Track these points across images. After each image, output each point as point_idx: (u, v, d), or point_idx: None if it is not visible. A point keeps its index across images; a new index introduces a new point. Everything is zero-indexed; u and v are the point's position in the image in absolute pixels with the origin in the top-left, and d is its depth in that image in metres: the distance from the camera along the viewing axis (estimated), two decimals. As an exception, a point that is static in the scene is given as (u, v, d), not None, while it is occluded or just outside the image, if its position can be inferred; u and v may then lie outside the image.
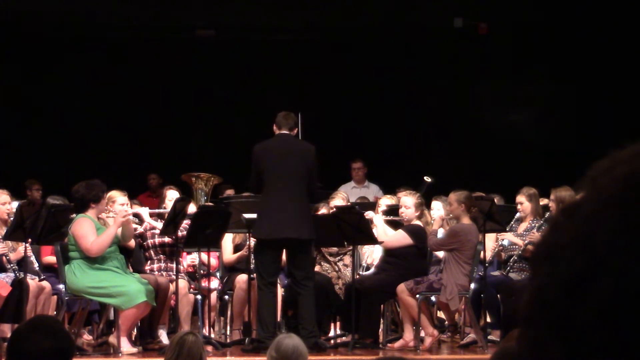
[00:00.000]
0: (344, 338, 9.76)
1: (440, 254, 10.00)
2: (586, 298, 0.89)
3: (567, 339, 0.90)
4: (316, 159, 8.84)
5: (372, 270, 9.82)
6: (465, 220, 9.19)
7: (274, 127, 8.97)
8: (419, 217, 9.51)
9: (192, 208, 9.92)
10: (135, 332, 9.08)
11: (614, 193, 0.91)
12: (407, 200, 9.49)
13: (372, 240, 9.35)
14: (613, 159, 0.94)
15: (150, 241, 9.75)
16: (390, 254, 9.50)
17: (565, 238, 0.92)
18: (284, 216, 8.60)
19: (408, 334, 9.17)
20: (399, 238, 9.37)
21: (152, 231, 9.74)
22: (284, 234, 8.60)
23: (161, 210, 9.83)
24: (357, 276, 9.46)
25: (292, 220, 8.61)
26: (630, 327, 0.87)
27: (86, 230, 8.64)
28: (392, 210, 9.81)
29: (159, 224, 9.54)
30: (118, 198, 9.56)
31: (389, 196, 10.60)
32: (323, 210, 10.04)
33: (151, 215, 9.77)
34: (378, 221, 9.53)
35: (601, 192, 0.92)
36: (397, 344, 9.20)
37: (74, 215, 8.82)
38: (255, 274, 9.00)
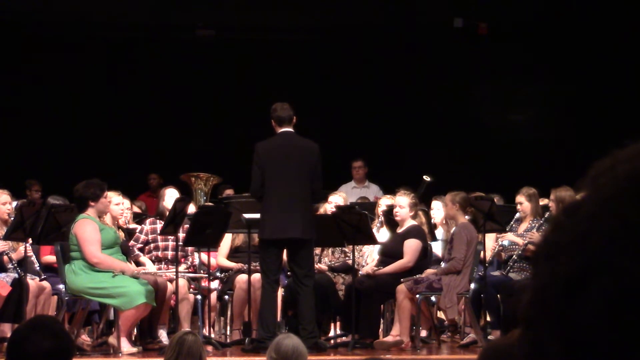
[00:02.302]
0: (344, 338, 9.75)
1: (439, 253, 10.02)
2: (586, 298, 0.89)
3: (567, 339, 0.89)
4: (320, 158, 8.81)
5: (373, 263, 9.74)
6: (462, 220, 9.23)
7: (273, 123, 8.92)
8: (413, 217, 9.52)
9: (192, 208, 9.93)
10: (135, 332, 9.08)
11: (614, 192, 0.90)
12: (402, 200, 9.53)
13: (372, 240, 9.36)
14: (614, 158, 0.93)
15: (152, 245, 9.77)
16: (389, 254, 9.51)
17: (566, 237, 0.92)
18: (286, 216, 8.58)
19: (395, 330, 9.17)
20: (414, 249, 9.38)
21: (153, 235, 9.76)
22: (286, 234, 8.59)
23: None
24: (359, 275, 9.45)
25: (295, 220, 8.59)
26: (630, 327, 0.87)
27: (90, 234, 8.62)
28: (392, 211, 9.81)
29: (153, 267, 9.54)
30: (113, 198, 9.60)
31: (389, 196, 10.60)
32: (322, 210, 10.05)
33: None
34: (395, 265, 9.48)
35: (602, 191, 0.91)
36: (387, 338, 9.20)
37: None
38: (260, 273, 8.99)
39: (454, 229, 9.37)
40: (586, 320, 0.88)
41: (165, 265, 9.70)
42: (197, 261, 9.99)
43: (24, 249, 8.89)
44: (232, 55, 14.86)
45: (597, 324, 0.88)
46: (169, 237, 9.55)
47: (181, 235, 9.24)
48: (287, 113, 8.84)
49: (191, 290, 9.56)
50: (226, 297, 9.95)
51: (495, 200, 9.79)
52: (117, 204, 9.79)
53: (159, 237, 9.70)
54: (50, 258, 9.43)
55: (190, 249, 9.82)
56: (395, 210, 9.56)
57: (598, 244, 0.89)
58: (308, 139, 8.91)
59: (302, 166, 8.71)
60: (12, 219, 8.83)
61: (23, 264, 8.90)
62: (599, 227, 0.90)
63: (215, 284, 10.02)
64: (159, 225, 9.65)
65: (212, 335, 9.70)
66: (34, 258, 9.30)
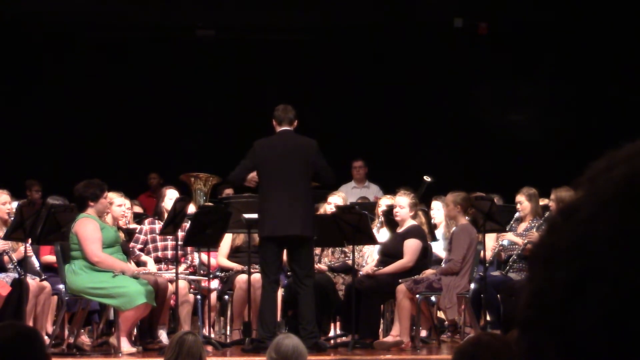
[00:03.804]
0: (344, 338, 9.75)
1: (441, 253, 10.01)
2: (585, 303, 0.88)
3: (565, 344, 0.89)
4: (319, 152, 8.80)
5: (373, 263, 9.73)
6: (462, 221, 9.23)
7: (274, 123, 8.93)
8: (413, 217, 9.52)
9: (191, 208, 9.92)
10: (135, 332, 9.07)
11: (612, 196, 0.90)
12: (402, 200, 9.52)
13: (372, 240, 9.36)
14: (611, 158, 0.93)
15: (151, 245, 9.77)
16: (389, 254, 9.50)
17: (564, 241, 0.91)
18: (285, 214, 8.58)
19: (395, 330, 9.17)
20: (414, 249, 9.37)
21: (152, 235, 9.76)
22: (285, 232, 8.58)
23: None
24: (359, 275, 9.45)
25: (294, 218, 8.59)
26: (629, 333, 0.86)
27: (91, 232, 8.62)
28: (392, 211, 9.81)
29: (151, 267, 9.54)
30: (115, 199, 9.60)
31: (389, 196, 10.59)
32: (322, 210, 10.05)
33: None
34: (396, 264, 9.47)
35: (600, 194, 0.90)
36: (386, 338, 9.20)
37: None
38: (260, 273, 8.99)
39: (453, 229, 9.37)
40: (585, 326, 0.88)
41: (165, 265, 9.70)
42: (197, 261, 9.98)
43: (24, 249, 8.89)
44: (232, 55, 14.86)
45: (596, 330, 0.87)
46: (168, 237, 9.55)
47: (180, 234, 9.24)
48: (288, 115, 8.85)
49: (191, 290, 9.56)
50: (226, 297, 9.95)
51: (495, 200, 9.78)
52: (120, 205, 9.78)
53: (158, 237, 9.70)
54: (50, 258, 9.42)
55: (189, 248, 9.81)
56: (395, 210, 9.55)
57: (596, 250, 0.88)
58: (305, 137, 8.91)
59: (300, 164, 8.71)
60: (12, 219, 8.83)
61: (23, 264, 8.90)
62: (597, 232, 0.89)
63: (215, 284, 10.01)
64: (158, 225, 9.64)
65: (212, 335, 9.70)
66: (34, 258, 9.30)
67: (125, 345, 8.54)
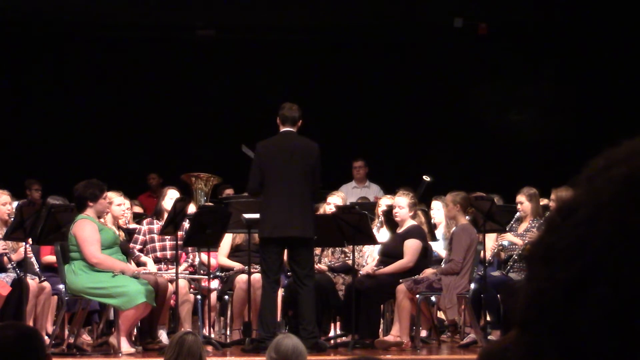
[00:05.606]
0: (344, 338, 9.75)
1: (442, 253, 10.01)
2: (585, 303, 0.88)
3: (565, 344, 0.89)
4: (319, 158, 8.81)
5: (373, 263, 9.73)
6: (462, 221, 9.24)
7: (278, 121, 8.92)
8: (413, 217, 9.52)
9: (192, 208, 9.92)
10: (135, 332, 9.07)
11: (612, 195, 0.89)
12: (401, 201, 9.52)
13: (372, 240, 9.36)
14: (609, 157, 0.92)
15: (150, 246, 9.76)
16: (389, 254, 9.50)
17: (563, 241, 0.90)
18: (286, 215, 8.59)
19: (395, 330, 9.17)
20: (414, 249, 9.36)
21: (151, 235, 9.75)
22: (286, 233, 8.59)
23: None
24: (359, 275, 9.45)
25: (295, 219, 8.59)
26: (629, 333, 0.86)
27: (89, 234, 8.61)
28: (392, 211, 9.80)
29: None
30: (115, 199, 9.61)
31: (389, 196, 10.59)
32: (322, 210, 10.04)
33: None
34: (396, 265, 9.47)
35: (598, 194, 0.90)
36: (387, 337, 9.20)
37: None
38: (260, 273, 8.99)
39: (453, 229, 9.37)
40: (585, 326, 0.87)
41: (165, 265, 9.69)
42: (197, 261, 9.98)
43: (24, 249, 8.89)
44: (232, 55, 14.86)
45: (596, 330, 0.87)
46: (167, 237, 9.54)
47: (179, 234, 9.24)
48: (292, 114, 8.84)
49: (191, 290, 9.56)
50: (226, 297, 9.94)
51: (495, 200, 9.78)
52: (119, 205, 9.79)
53: (157, 237, 9.69)
54: (50, 258, 9.42)
55: (189, 248, 9.81)
56: (394, 210, 9.55)
57: (596, 250, 0.88)
58: (308, 139, 8.91)
59: (302, 166, 8.71)
60: (12, 219, 8.83)
61: (23, 264, 8.89)
62: (597, 232, 0.88)
63: (215, 284, 10.01)
64: (156, 225, 9.65)
65: (212, 335, 9.70)
66: (33, 260, 9.29)
67: (125, 345, 8.54)
